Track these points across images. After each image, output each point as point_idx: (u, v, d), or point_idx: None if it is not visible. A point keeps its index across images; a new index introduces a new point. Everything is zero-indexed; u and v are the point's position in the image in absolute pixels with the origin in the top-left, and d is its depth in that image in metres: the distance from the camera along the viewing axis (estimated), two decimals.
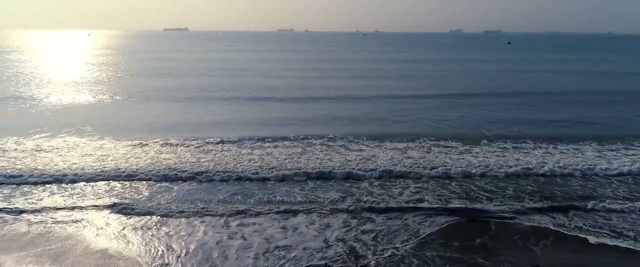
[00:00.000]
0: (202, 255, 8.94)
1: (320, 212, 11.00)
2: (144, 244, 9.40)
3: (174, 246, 9.34)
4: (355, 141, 17.57)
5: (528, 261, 8.78)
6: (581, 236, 9.90)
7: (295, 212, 11.02)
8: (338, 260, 8.73)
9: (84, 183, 13.05)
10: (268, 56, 79.75)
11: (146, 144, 16.94)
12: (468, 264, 8.67)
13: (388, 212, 11.03)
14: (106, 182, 13.16)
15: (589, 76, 46.66)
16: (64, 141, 17.40)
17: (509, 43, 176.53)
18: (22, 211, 11.07)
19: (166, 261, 8.74)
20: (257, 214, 10.94)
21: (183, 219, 10.67)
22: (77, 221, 10.59)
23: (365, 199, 11.86)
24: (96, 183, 13.07)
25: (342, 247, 9.25)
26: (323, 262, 8.65)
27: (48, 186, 12.80)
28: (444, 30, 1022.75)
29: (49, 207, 11.32)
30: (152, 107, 26.27)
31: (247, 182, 13.23)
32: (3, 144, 16.71)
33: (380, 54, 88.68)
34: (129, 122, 21.78)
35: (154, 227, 10.25)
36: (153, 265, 8.58)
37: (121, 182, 13.20)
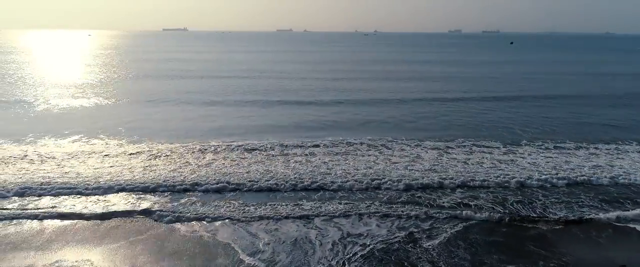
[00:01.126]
0: None
1: None
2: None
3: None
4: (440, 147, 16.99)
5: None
6: None
7: None
8: None
9: (141, 192, 12.33)
10: (279, 57, 78.48)
11: (204, 150, 16.27)
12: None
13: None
14: (169, 192, 12.47)
15: (609, 77, 45.95)
16: (106, 144, 16.81)
17: (512, 43, 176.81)
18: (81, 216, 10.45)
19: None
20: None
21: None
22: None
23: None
24: (149, 194, 12.30)
25: None
26: None
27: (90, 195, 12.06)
28: (443, 31, 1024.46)
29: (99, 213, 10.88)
30: (183, 111, 25.37)
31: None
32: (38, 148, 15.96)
33: (393, 55, 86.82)
34: (165, 126, 21.05)
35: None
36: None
37: (180, 193, 12.50)
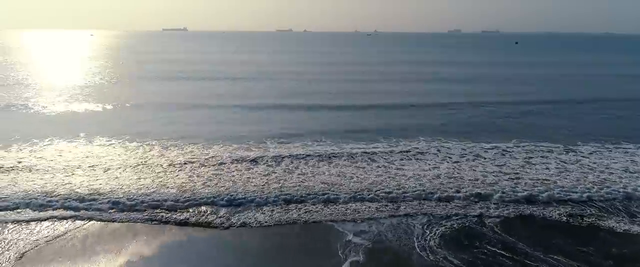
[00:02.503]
0: None
1: None
2: None
3: None
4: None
5: None
6: None
7: None
8: None
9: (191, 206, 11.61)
10: (291, 58, 77.16)
11: (255, 161, 15.45)
12: None
13: None
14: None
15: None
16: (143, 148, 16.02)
17: (516, 43, 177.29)
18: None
19: None
20: None
21: None
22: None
23: None
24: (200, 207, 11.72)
25: None
26: None
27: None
28: (443, 31, 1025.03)
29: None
30: (214, 115, 24.48)
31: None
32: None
33: (408, 56, 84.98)
34: (199, 129, 20.35)
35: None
36: None
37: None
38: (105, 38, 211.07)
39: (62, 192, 12.29)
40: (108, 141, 17.84)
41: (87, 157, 15.58)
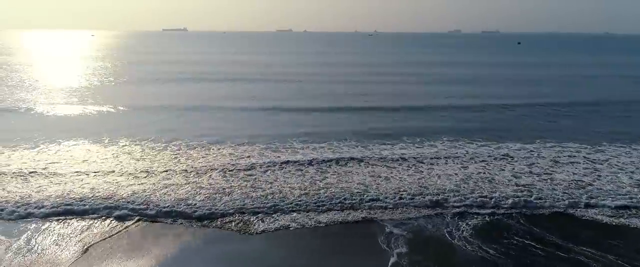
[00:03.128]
0: None
1: None
2: None
3: None
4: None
5: None
6: None
7: None
8: None
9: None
10: (301, 59, 76.08)
11: (287, 163, 15.54)
12: None
13: None
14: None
15: None
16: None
17: (519, 43, 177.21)
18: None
19: None
20: None
21: None
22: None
23: None
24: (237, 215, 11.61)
25: None
26: None
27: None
28: (443, 31, 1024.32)
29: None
30: (237, 117, 24.39)
31: None
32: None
33: (421, 56, 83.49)
34: (224, 132, 20.17)
35: None
36: None
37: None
38: (105, 38, 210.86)
39: (110, 194, 12.42)
40: (136, 142, 17.92)
41: (124, 159, 15.76)
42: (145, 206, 11.68)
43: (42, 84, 36.85)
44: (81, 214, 11.32)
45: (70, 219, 11.12)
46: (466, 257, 9.51)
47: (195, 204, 11.82)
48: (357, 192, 12.74)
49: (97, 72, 47.24)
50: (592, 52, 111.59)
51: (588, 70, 55.54)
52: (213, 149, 16.90)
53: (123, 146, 17.39)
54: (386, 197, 12.34)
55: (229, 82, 40.35)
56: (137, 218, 11.12)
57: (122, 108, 26.15)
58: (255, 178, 13.82)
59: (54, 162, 15.08)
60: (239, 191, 12.69)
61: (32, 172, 14.14)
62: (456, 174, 14.36)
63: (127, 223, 10.93)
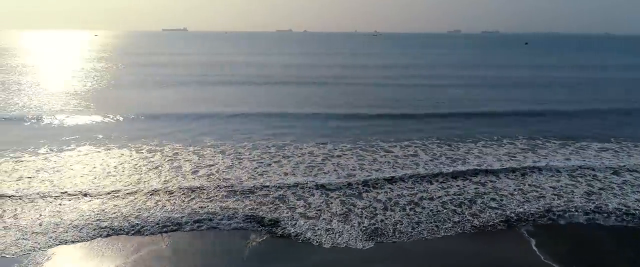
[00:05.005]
0: None
1: None
2: None
3: None
4: None
5: None
6: None
7: None
8: None
9: None
10: (321, 60, 73.54)
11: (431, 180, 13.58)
12: None
13: None
14: None
15: None
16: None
17: (526, 43, 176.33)
18: None
19: None
20: None
21: None
22: None
23: None
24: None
25: None
26: None
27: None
28: (442, 31, 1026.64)
29: None
30: (279, 123, 22.41)
31: None
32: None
33: (448, 58, 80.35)
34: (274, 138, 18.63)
35: None
36: None
37: None
38: (106, 38, 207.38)
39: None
40: (184, 148, 16.80)
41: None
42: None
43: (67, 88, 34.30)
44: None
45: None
46: None
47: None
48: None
49: (119, 75, 44.81)
50: (608, 52, 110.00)
51: (628, 73, 53.84)
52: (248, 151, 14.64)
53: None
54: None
55: (294, 85, 38.25)
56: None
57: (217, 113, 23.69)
58: None
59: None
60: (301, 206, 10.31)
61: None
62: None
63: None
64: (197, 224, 10.71)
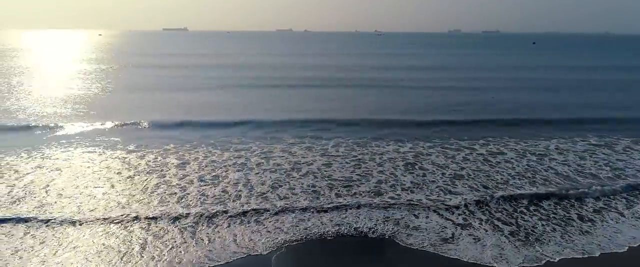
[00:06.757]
0: None
1: None
2: None
3: None
4: None
5: None
6: None
7: None
8: None
9: None
10: (367, 61, 70.85)
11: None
12: None
13: None
14: None
15: None
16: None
17: (534, 43, 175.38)
18: None
19: None
20: None
21: None
22: None
23: None
24: None
25: None
26: None
27: None
28: (443, 31, 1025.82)
29: None
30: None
31: None
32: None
33: (473, 59, 78.30)
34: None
35: None
36: None
37: None
38: (106, 38, 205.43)
39: None
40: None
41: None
42: None
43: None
44: None
45: None
46: None
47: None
48: None
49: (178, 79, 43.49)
50: (617, 52, 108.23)
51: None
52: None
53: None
54: None
55: (350, 88, 37.18)
56: None
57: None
58: None
59: None
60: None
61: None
62: None
63: None
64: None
